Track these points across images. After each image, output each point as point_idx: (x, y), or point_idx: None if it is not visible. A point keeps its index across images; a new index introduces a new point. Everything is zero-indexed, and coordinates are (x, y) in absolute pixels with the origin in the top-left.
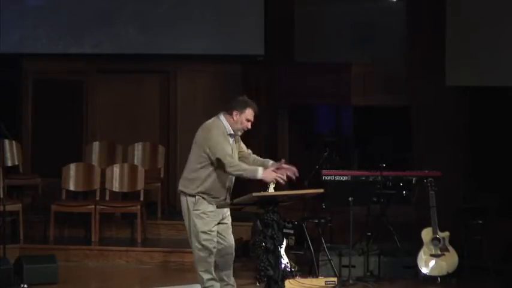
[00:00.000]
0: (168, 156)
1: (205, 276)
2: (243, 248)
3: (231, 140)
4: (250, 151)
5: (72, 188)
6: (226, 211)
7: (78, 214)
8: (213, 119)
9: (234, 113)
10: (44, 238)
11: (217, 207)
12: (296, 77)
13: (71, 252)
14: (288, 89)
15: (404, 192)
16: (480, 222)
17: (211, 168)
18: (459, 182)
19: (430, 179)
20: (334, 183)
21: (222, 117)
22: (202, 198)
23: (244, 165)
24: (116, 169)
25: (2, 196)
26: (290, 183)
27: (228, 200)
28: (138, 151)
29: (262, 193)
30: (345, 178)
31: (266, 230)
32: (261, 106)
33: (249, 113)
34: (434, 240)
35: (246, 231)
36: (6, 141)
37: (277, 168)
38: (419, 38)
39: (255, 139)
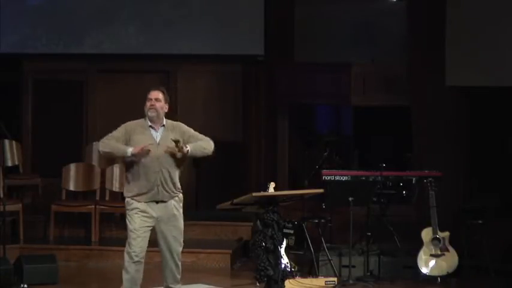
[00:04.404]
0: None
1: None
2: (243, 248)
3: (154, 132)
4: None
5: (72, 188)
6: (168, 214)
7: (78, 214)
8: None
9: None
10: (44, 238)
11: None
12: (296, 77)
13: (71, 252)
14: (288, 89)
15: (404, 192)
16: (480, 222)
17: (131, 166)
18: (459, 182)
19: (430, 179)
20: (334, 183)
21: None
22: (131, 198)
23: (113, 144)
24: (116, 169)
25: (2, 196)
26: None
27: (165, 193)
28: None
29: (262, 193)
30: (345, 178)
31: (266, 230)
32: (260, 106)
33: (147, 96)
34: (434, 240)
35: (246, 231)
36: (6, 141)
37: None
38: (419, 38)
39: (255, 139)
